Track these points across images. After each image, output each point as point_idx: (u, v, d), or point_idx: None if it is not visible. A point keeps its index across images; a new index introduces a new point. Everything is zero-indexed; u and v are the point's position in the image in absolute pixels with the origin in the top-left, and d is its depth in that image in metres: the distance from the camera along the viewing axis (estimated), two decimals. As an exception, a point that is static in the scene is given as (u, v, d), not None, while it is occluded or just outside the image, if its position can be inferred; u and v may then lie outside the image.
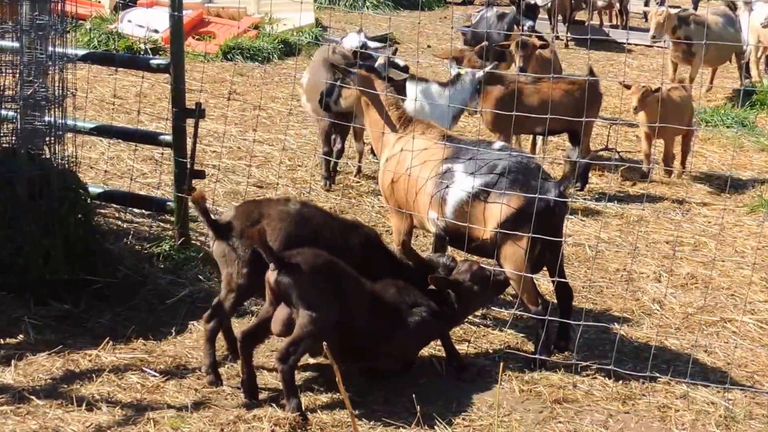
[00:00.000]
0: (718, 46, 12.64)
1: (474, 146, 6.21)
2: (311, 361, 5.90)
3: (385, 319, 5.64)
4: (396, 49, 10.00)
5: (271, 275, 5.32)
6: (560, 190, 5.96)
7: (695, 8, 14.53)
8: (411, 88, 8.28)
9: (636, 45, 17.24)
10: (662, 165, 10.19)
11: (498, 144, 6.40)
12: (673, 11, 12.92)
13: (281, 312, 5.37)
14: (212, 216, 5.80)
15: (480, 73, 8.90)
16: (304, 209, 5.90)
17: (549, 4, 16.90)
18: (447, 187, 6.12)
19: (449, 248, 6.51)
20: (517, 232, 5.89)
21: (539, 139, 10.11)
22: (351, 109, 6.96)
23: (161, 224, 7.68)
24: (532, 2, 13.29)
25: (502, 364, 5.70)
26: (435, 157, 6.24)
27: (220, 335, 5.85)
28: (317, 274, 5.35)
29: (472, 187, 6.03)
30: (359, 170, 9.46)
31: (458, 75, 8.86)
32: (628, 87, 9.94)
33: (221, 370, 5.80)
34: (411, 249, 6.48)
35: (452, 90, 8.76)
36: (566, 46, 17.32)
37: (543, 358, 5.98)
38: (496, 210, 5.95)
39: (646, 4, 19.80)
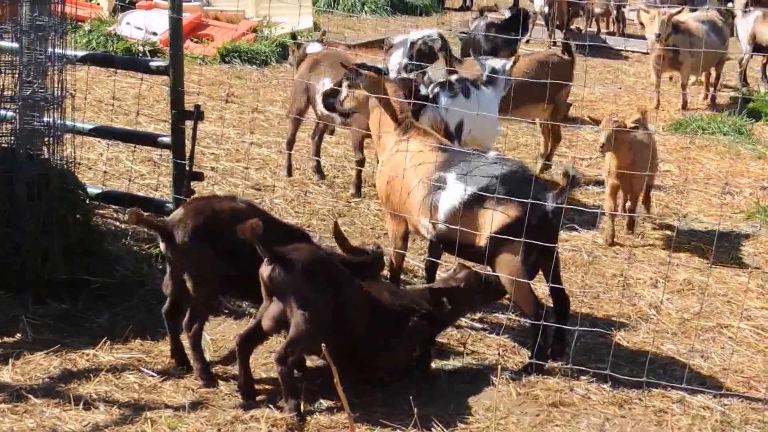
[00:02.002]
0: (701, 54, 12.62)
1: (469, 155, 6.23)
2: (309, 363, 5.91)
3: (379, 323, 5.65)
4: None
5: (265, 270, 5.31)
6: (557, 202, 5.96)
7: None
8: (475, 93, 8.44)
9: (633, 52, 17.29)
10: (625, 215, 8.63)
11: (492, 153, 6.42)
12: (673, 11, 12.92)
13: (273, 307, 5.36)
14: (157, 220, 5.83)
15: (509, 64, 8.89)
16: (251, 208, 5.94)
17: (546, 10, 16.97)
18: (441, 194, 6.14)
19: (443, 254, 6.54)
20: (513, 241, 5.90)
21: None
22: (355, 111, 6.94)
23: (159, 225, 7.68)
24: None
25: (499, 367, 5.73)
26: (431, 163, 6.26)
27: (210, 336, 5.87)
28: (311, 270, 5.35)
29: (467, 195, 6.05)
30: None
31: (494, 71, 8.74)
32: (597, 122, 8.20)
33: (218, 370, 5.81)
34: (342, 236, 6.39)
35: (492, 88, 8.72)
36: (563, 52, 17.33)
37: (539, 362, 6.00)
38: (494, 219, 5.96)
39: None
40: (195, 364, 5.72)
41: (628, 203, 8.56)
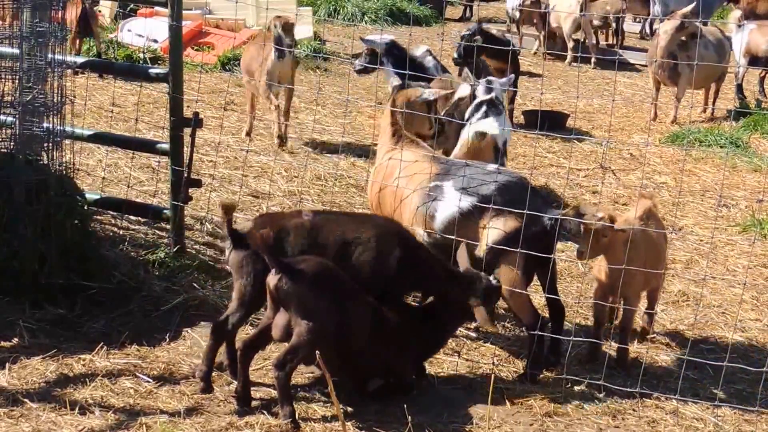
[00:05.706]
0: (702, 68, 12.66)
1: (465, 165, 6.27)
2: (305, 370, 5.93)
3: (382, 335, 5.67)
4: None
5: (272, 280, 5.34)
6: (556, 216, 5.98)
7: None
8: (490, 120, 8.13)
9: (631, 64, 17.34)
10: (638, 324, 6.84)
11: (491, 166, 6.46)
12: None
13: (281, 317, 5.39)
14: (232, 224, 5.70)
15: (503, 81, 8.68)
16: (318, 219, 5.82)
17: (517, 16, 17.30)
18: (438, 203, 6.17)
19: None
20: (511, 252, 5.92)
21: None
22: None
23: (157, 232, 7.71)
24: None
25: (493, 376, 5.75)
26: (426, 173, 6.29)
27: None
28: (318, 282, 5.37)
29: (465, 205, 6.07)
30: None
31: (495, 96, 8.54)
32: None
33: (214, 374, 5.83)
34: None
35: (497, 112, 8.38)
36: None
37: (534, 372, 6.02)
38: (492, 230, 5.99)
39: (643, 27, 19.90)
40: (201, 366, 5.72)
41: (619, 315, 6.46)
